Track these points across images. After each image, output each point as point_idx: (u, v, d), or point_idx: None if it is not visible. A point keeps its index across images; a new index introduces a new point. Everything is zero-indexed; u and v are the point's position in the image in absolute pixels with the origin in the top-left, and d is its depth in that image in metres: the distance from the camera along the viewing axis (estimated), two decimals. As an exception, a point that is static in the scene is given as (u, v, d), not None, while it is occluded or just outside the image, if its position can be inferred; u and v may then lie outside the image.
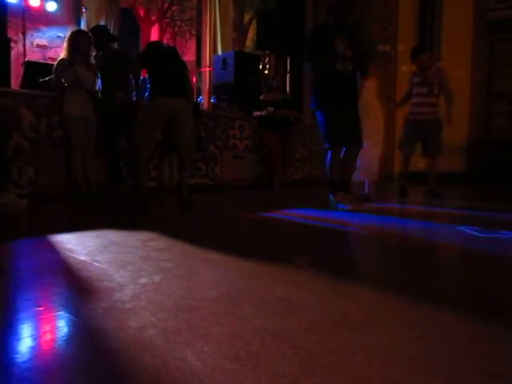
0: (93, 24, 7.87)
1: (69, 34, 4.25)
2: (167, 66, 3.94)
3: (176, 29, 11.91)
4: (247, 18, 10.40)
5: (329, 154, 3.94)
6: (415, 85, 5.19)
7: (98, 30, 4.63)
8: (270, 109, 5.53)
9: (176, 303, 1.43)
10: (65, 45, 4.20)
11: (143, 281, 1.67)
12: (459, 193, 6.50)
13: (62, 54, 4.18)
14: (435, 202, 4.86)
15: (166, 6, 11.51)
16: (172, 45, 4.64)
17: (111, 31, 8.25)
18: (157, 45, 4.25)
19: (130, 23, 10.79)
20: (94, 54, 4.61)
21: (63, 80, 4.09)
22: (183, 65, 4.10)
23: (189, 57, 10.98)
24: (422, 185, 5.25)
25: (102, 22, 8.57)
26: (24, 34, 6.56)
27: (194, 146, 4.58)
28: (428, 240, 2.82)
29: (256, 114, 5.88)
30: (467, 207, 4.63)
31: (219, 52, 8.77)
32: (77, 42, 4.14)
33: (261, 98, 5.85)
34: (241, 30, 10.08)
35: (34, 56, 7.71)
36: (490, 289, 1.74)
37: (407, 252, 2.52)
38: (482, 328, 1.31)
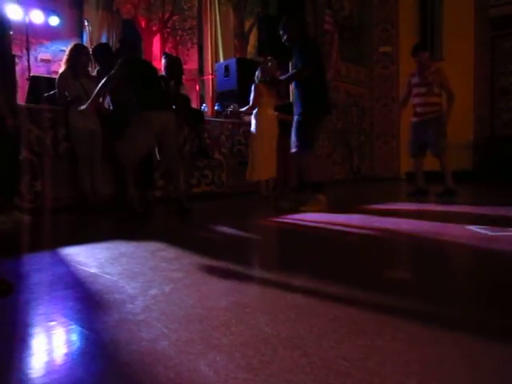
0: (95, 37, 7.98)
1: (68, 48, 4.30)
2: (151, 78, 4.03)
3: (178, 38, 11.98)
4: (248, 24, 10.44)
5: (309, 156, 4.26)
6: (414, 85, 5.18)
7: (99, 50, 4.67)
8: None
9: (187, 313, 1.43)
10: (65, 59, 4.24)
11: (154, 292, 1.68)
12: (467, 191, 6.46)
13: (62, 68, 4.23)
14: (449, 199, 4.85)
15: (166, 15, 11.58)
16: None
17: (113, 43, 8.35)
18: (134, 56, 4.20)
19: (131, 34, 10.90)
20: (96, 69, 4.65)
21: (67, 93, 4.13)
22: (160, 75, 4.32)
23: (191, 65, 11.04)
24: (439, 184, 5.18)
25: (104, 35, 8.67)
26: (28, 49, 6.64)
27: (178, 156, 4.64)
28: (438, 240, 2.80)
29: None
30: (476, 205, 4.60)
31: (221, 59, 8.81)
32: (76, 55, 4.19)
33: None
34: (242, 36, 10.11)
35: (38, 70, 7.80)
36: (502, 289, 1.73)
37: (417, 254, 2.51)
38: (496, 329, 1.30)
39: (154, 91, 4.01)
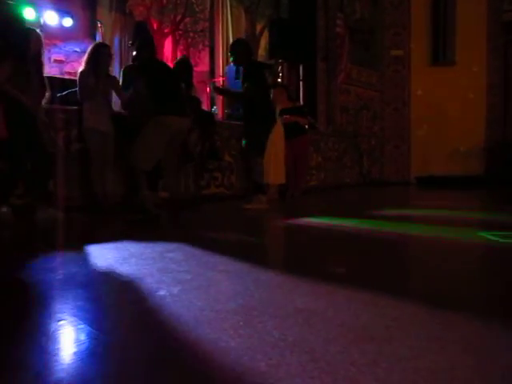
0: (108, 38, 8.04)
1: (90, 46, 4.29)
2: (168, 81, 4.01)
3: (189, 40, 12.03)
4: (259, 27, 10.47)
5: (260, 160, 4.76)
6: None
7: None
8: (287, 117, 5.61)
9: (195, 315, 1.44)
10: (85, 57, 4.22)
11: (162, 293, 1.68)
12: (478, 196, 6.40)
13: (83, 66, 4.21)
14: None
15: (178, 18, 11.63)
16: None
17: (125, 44, 8.40)
18: (152, 57, 4.13)
19: (143, 36, 10.93)
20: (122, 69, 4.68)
21: (84, 92, 4.11)
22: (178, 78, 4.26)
23: (202, 67, 11.07)
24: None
25: (117, 36, 8.74)
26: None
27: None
28: (449, 247, 2.78)
29: None
30: (487, 211, 4.55)
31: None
32: (98, 54, 4.17)
33: None
34: (253, 39, 10.14)
35: (51, 71, 7.86)
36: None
37: (428, 259, 2.49)
38: (508, 338, 1.28)
39: (171, 95, 4.00)
